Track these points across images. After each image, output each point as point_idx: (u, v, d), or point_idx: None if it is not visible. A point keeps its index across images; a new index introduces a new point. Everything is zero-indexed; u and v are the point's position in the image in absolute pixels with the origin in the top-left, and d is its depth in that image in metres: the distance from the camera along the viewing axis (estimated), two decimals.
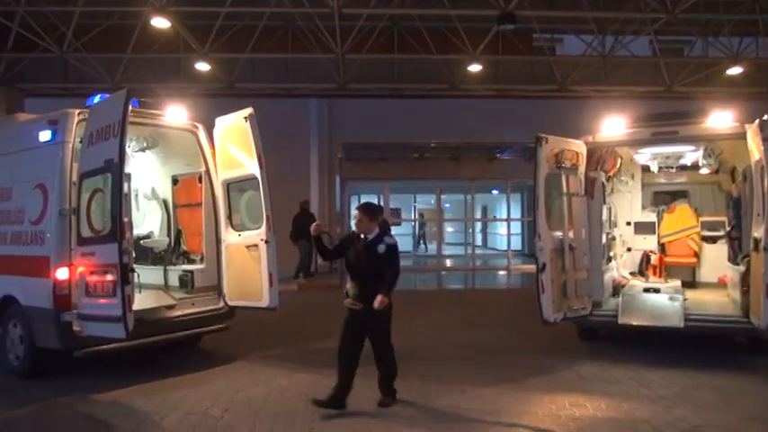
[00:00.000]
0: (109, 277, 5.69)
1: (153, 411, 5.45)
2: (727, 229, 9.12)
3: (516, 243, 22.08)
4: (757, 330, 6.39)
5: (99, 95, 6.62)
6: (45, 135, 6.49)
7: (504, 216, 20.90)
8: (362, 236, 5.57)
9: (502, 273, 19.03)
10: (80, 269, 6.04)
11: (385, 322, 5.69)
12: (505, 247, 20.91)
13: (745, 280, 7.03)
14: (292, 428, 5.01)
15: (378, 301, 5.30)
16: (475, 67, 14.16)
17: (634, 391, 5.97)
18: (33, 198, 6.52)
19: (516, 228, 22.44)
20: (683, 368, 6.68)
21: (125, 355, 6.70)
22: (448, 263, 21.66)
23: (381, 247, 5.48)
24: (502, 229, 23.94)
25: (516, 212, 22.72)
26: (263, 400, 5.77)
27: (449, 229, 27.63)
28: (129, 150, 7.77)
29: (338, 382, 5.45)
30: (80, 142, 6.28)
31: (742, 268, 7.27)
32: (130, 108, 5.86)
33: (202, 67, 13.78)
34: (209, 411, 5.45)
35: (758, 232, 6.36)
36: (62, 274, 6.12)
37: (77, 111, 6.44)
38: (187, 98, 11.39)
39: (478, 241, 25.99)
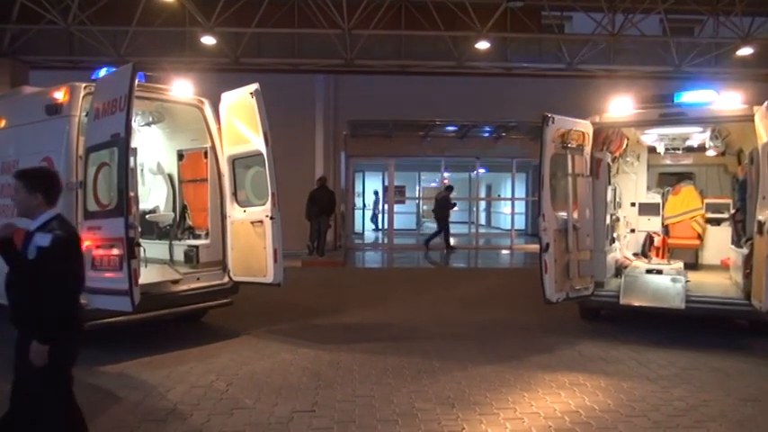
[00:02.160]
0: (115, 251, 5.75)
1: (159, 384, 5.54)
2: (732, 211, 9.11)
3: (520, 222, 22.08)
4: (758, 313, 6.43)
5: (105, 69, 6.61)
6: (51, 108, 6.49)
7: (509, 195, 20.88)
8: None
9: (505, 252, 19.09)
10: (86, 243, 6.07)
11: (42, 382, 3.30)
12: (509, 227, 20.93)
13: (747, 263, 7.05)
14: (296, 401, 5.09)
15: (32, 352, 3.21)
16: (482, 45, 14.01)
17: (633, 370, 6.03)
18: None
19: (520, 207, 22.43)
20: (683, 349, 6.74)
21: (131, 329, 6.79)
22: (451, 241, 21.66)
23: (31, 250, 3.30)
24: (506, 208, 23.93)
25: (521, 192, 22.69)
26: (268, 374, 5.86)
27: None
28: (134, 125, 7.77)
29: None
30: (86, 116, 6.29)
31: (745, 251, 7.28)
32: (136, 82, 5.86)
33: (208, 41, 13.67)
34: (214, 384, 5.54)
35: (763, 215, 6.36)
36: None
37: (83, 84, 6.44)
38: (193, 73, 11.35)
39: (482, 220, 25.99)
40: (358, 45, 14.11)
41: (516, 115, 16.52)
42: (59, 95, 6.45)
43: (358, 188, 22.08)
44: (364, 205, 22.94)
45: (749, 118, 6.89)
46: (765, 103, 6.35)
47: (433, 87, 17.11)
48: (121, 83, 5.77)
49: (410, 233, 23.56)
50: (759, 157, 6.70)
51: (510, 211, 21.29)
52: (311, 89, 17.75)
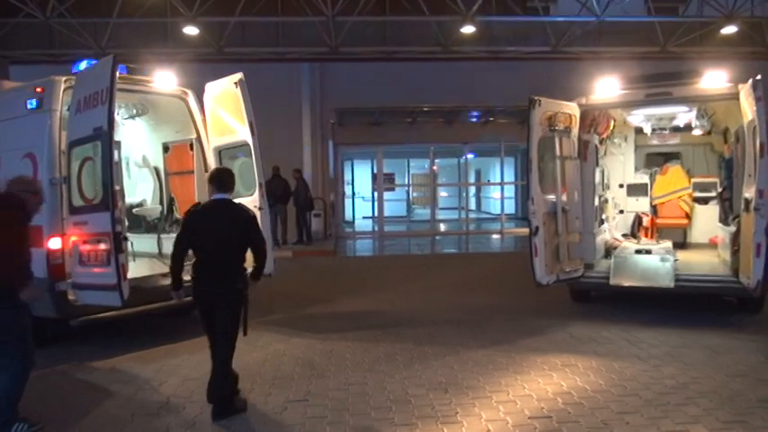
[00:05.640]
0: (102, 246, 5.69)
1: (151, 377, 5.52)
2: (719, 190, 9.17)
3: (510, 207, 22.14)
4: (746, 290, 6.49)
5: (85, 62, 6.51)
6: (32, 103, 6.39)
7: (498, 180, 20.90)
8: None
9: (495, 236, 19.14)
10: (73, 238, 6.03)
11: None
12: (499, 211, 20.98)
13: (735, 240, 7.10)
14: (289, 391, 5.10)
15: None
16: (468, 29, 13.96)
17: (624, 350, 6.07)
18: (23, 167, 6.42)
19: (510, 191, 22.48)
20: (673, 328, 6.79)
21: (121, 323, 6.75)
22: (442, 227, 21.73)
23: None
24: (495, 192, 23.98)
25: (510, 176, 22.71)
26: (261, 365, 5.85)
27: (442, 193, 27.63)
28: (118, 118, 7.67)
29: None
30: (68, 110, 6.20)
31: (733, 229, 7.34)
32: (118, 74, 5.77)
33: (191, 31, 13.52)
34: (206, 376, 5.51)
35: (749, 193, 6.40)
36: (55, 243, 6.10)
37: (64, 78, 6.33)
38: (176, 64, 11.24)
39: (472, 205, 26.03)
40: (342, 32, 14.01)
41: (503, 99, 16.49)
42: (40, 90, 6.34)
43: (347, 176, 21.98)
44: (354, 194, 22.88)
45: (734, 96, 6.92)
46: (750, 81, 6.35)
47: (420, 73, 17.02)
48: (102, 75, 5.68)
49: (401, 220, 23.61)
50: (744, 135, 6.73)
51: (499, 195, 21.34)
52: (297, 78, 17.60)
